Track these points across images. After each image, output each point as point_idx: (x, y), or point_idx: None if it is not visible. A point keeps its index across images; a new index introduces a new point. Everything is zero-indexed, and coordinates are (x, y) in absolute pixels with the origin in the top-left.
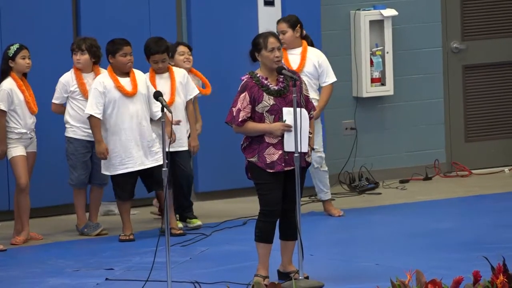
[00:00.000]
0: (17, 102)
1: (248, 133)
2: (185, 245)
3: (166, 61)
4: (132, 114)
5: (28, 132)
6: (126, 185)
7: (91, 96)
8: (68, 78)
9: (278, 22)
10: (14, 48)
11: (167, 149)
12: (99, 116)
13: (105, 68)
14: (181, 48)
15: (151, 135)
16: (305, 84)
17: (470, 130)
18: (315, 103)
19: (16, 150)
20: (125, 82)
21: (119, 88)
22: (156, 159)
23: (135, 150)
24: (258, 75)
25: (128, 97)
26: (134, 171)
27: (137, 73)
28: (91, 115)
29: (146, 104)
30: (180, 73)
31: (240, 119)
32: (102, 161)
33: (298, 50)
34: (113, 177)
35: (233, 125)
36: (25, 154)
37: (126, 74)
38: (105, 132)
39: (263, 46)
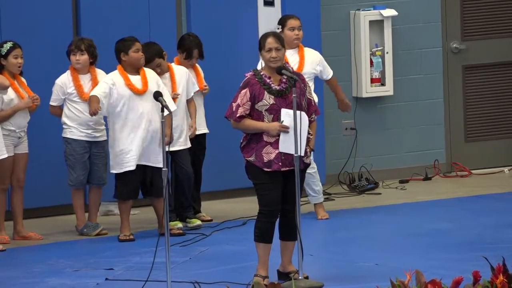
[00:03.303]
0: (8, 101)
1: (244, 130)
2: (185, 245)
3: (162, 65)
4: (142, 112)
5: (17, 131)
6: (130, 184)
7: (98, 85)
8: (64, 80)
9: (292, 17)
10: (7, 46)
11: (166, 149)
12: (98, 95)
13: (102, 69)
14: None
15: (160, 133)
16: (309, 87)
17: (470, 130)
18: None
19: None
20: (135, 80)
21: (129, 86)
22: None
23: (144, 148)
24: (261, 73)
25: (138, 95)
26: (139, 171)
27: (148, 71)
28: (92, 95)
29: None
30: (181, 71)
31: (238, 115)
32: (111, 160)
33: (296, 50)
34: (119, 175)
35: (231, 120)
36: (10, 155)
37: (137, 72)
38: (113, 131)
39: (262, 45)
